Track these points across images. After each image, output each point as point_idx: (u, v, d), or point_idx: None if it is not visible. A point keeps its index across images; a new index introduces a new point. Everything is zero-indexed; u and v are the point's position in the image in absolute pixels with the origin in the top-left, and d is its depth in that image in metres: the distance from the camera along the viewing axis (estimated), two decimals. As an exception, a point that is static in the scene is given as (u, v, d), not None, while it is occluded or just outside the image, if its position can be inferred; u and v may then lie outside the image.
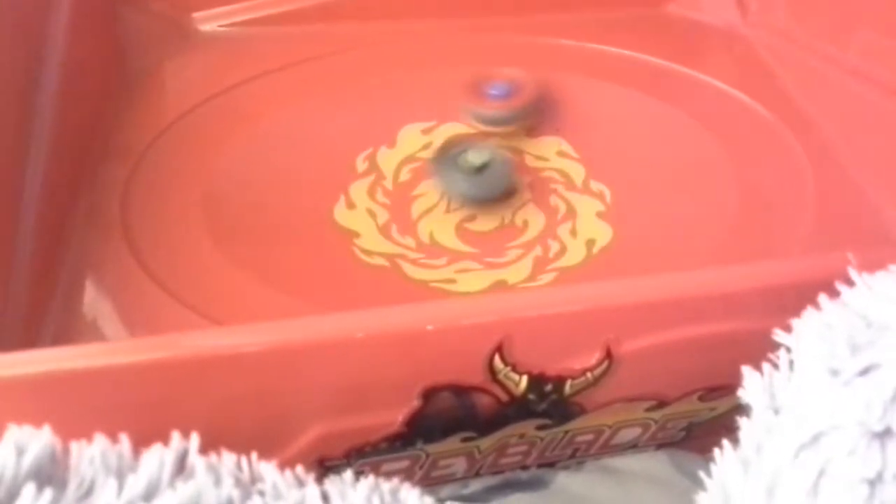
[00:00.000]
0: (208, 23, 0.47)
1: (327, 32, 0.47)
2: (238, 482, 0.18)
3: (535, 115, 0.43)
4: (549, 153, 0.42)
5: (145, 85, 0.44)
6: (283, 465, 0.23)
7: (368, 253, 0.37)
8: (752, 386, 0.22)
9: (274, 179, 0.40)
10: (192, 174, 0.40)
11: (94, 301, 0.35)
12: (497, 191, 0.39)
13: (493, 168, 0.39)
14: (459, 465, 0.28)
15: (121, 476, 0.17)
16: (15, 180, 0.35)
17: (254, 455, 0.19)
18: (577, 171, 0.41)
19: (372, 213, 0.38)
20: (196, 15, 0.47)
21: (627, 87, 0.46)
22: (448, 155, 0.40)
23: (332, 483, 0.19)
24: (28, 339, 0.33)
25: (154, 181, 0.40)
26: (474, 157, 0.39)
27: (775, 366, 0.22)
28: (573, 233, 0.38)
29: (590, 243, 0.38)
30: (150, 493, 0.17)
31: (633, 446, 0.29)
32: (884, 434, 0.18)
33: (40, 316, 0.34)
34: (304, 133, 0.42)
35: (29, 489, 0.16)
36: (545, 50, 0.48)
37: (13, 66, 0.37)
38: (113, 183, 0.40)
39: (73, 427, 0.20)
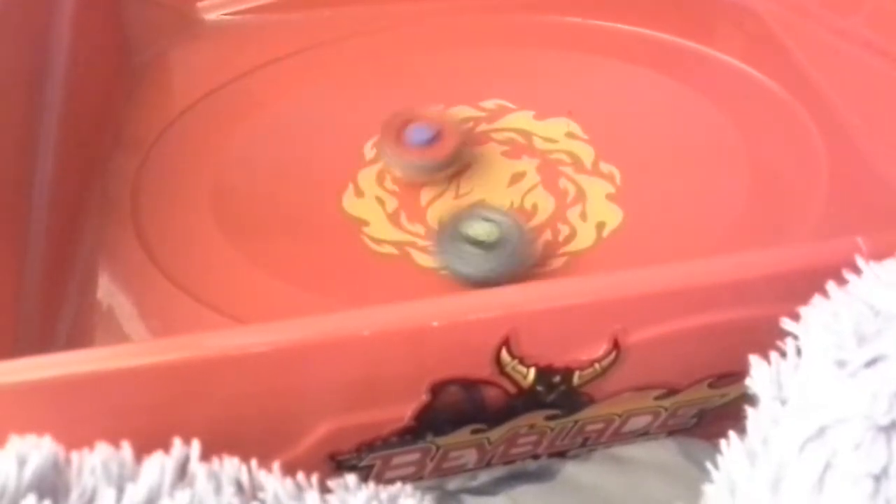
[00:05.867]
0: (212, 11, 0.47)
1: (331, 19, 0.46)
2: (239, 490, 0.18)
3: (460, 162, 0.39)
4: (558, 135, 0.41)
5: (152, 76, 0.44)
6: (295, 461, 0.24)
7: (377, 241, 0.37)
8: (760, 376, 0.22)
9: (282, 168, 0.40)
10: (200, 164, 0.40)
11: (107, 293, 0.35)
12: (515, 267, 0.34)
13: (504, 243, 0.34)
14: (470, 456, 0.28)
15: (122, 485, 0.17)
16: (26, 173, 0.36)
17: (254, 463, 0.19)
18: (587, 153, 0.41)
19: (381, 201, 0.38)
20: (200, 4, 0.47)
21: (637, 64, 0.45)
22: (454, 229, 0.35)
23: (332, 491, 0.19)
24: (44, 330, 0.33)
25: (163, 171, 0.40)
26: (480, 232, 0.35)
27: (783, 354, 0.22)
28: (583, 216, 0.38)
29: (600, 226, 0.37)
30: (152, 501, 0.17)
31: (644, 433, 0.29)
32: (890, 428, 0.18)
33: (56, 306, 0.34)
34: (311, 121, 0.42)
35: (30, 501, 0.16)
36: (554, 28, 0.47)
37: (20, 60, 0.37)
38: (123, 174, 0.40)
39: (79, 430, 0.20)
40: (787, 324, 0.22)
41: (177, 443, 0.19)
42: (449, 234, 0.35)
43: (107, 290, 0.35)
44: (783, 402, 0.21)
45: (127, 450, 0.19)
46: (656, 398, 0.27)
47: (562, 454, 0.29)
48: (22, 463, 0.17)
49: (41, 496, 0.16)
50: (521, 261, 0.34)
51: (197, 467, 0.18)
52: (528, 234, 0.35)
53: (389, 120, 0.39)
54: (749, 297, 0.25)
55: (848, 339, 0.20)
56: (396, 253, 0.36)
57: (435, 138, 0.38)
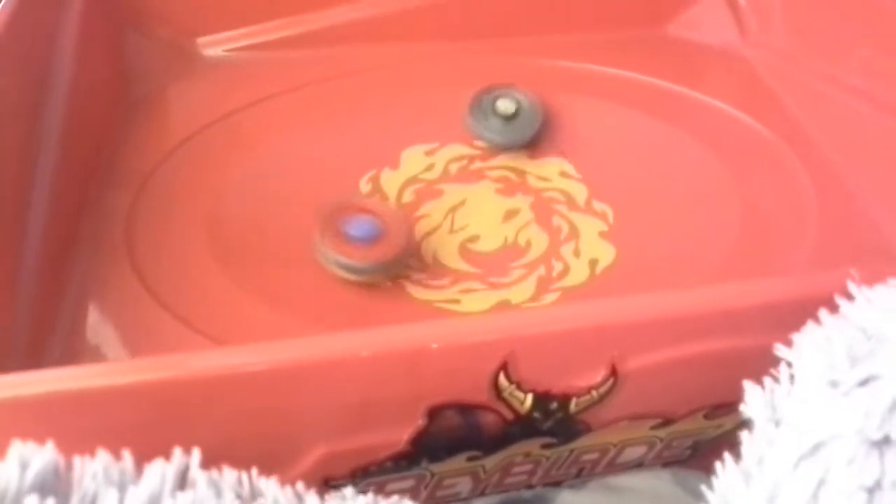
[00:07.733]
0: (212, 48, 0.48)
1: (330, 56, 0.47)
2: (239, 497, 0.18)
3: (407, 258, 0.37)
4: (552, 174, 0.42)
5: (150, 109, 0.45)
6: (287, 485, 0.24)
7: (372, 274, 0.37)
8: (754, 400, 0.22)
9: (278, 203, 0.40)
10: (195, 198, 0.40)
11: (98, 323, 0.35)
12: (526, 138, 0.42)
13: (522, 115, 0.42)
14: (464, 484, 0.28)
15: (122, 490, 0.17)
16: (20, 203, 0.36)
17: (254, 470, 0.19)
18: (580, 192, 0.41)
19: (375, 235, 0.38)
20: (200, 40, 0.48)
21: (629, 107, 0.46)
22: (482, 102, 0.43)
23: (331, 499, 0.19)
24: (33, 360, 0.33)
25: (158, 205, 0.40)
26: (505, 106, 0.42)
27: (776, 380, 0.22)
28: (576, 253, 0.38)
29: (593, 263, 0.38)
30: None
31: (638, 465, 0.29)
32: (882, 443, 0.18)
33: (45, 338, 0.34)
34: (308, 156, 0.43)
35: (31, 502, 0.16)
36: (546, 71, 0.48)
37: (20, 91, 0.38)
38: (117, 207, 0.40)
39: (76, 446, 0.20)
40: (780, 350, 0.22)
41: (177, 451, 0.19)
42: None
43: (98, 319, 0.35)
44: (777, 424, 0.21)
45: (127, 458, 0.19)
46: (652, 428, 0.27)
47: (556, 484, 0.29)
48: (24, 466, 0.17)
49: (42, 498, 0.16)
50: None
51: (197, 474, 0.18)
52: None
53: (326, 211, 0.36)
54: (744, 326, 0.25)
55: (841, 361, 0.20)
56: (390, 285, 0.36)
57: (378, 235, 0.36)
